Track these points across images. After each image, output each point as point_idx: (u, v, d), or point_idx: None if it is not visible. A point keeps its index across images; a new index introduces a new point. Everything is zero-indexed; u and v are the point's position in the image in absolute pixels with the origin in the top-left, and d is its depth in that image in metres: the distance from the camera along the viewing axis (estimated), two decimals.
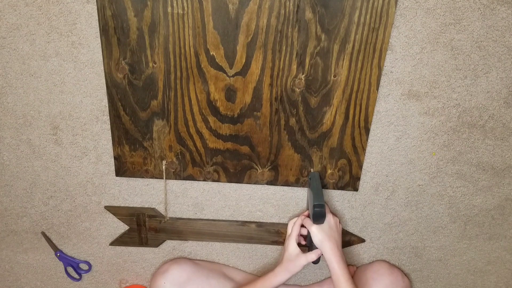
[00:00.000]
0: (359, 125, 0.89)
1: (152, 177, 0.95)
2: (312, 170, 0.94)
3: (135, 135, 0.90)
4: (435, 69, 0.84)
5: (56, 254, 1.06)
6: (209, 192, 0.99)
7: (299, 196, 0.99)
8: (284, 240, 0.99)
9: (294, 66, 0.82)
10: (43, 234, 1.04)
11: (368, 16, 0.78)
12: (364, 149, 0.92)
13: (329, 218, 0.90)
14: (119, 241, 1.04)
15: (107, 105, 0.88)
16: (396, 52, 0.82)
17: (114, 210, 1.00)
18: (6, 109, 0.89)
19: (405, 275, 1.07)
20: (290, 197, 0.99)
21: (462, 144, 0.92)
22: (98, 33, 0.81)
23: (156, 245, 1.05)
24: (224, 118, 0.88)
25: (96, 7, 0.78)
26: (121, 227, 1.03)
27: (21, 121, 0.90)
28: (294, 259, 0.89)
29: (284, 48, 0.81)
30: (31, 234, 1.04)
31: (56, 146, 0.93)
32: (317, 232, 0.88)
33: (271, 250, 1.07)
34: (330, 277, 1.07)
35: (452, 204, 1.00)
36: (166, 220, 1.01)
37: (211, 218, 1.02)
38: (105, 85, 0.85)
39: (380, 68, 0.83)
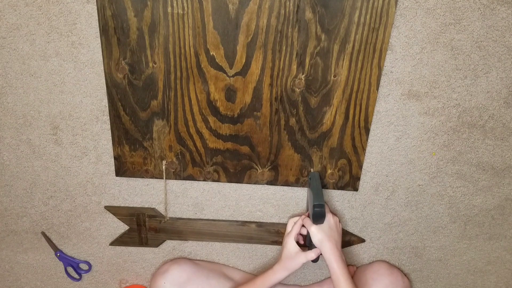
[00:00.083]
0: (359, 125, 0.89)
1: (152, 177, 0.95)
2: (312, 170, 0.94)
3: (135, 135, 0.90)
4: (435, 69, 0.84)
5: (56, 254, 1.06)
6: (209, 192, 0.99)
7: (299, 196, 0.99)
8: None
9: (294, 66, 0.82)
10: (43, 234, 1.04)
11: (368, 16, 0.78)
12: (364, 149, 0.92)
13: (329, 218, 0.90)
14: (119, 241, 1.04)
15: (107, 105, 0.88)
16: (396, 52, 0.82)
17: (114, 210, 1.00)
18: (6, 109, 0.89)
19: (405, 275, 1.07)
20: (290, 197, 0.99)
21: (462, 144, 0.92)
22: (98, 33, 0.81)
23: (156, 245, 1.05)
24: (224, 118, 0.88)
25: (96, 7, 0.78)
26: (121, 227, 1.03)
27: (21, 121, 0.90)
28: (294, 257, 0.89)
29: (284, 48, 0.81)
30: (31, 234, 1.04)
31: (56, 146, 0.93)
32: (316, 232, 0.88)
33: (271, 250, 1.07)
34: (330, 277, 1.07)
35: (452, 204, 1.00)
36: (166, 220, 1.01)
37: (211, 218, 1.02)
38: (105, 85, 0.85)
39: (380, 68, 0.83)
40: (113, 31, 0.79)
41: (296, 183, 0.96)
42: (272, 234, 1.03)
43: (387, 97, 0.87)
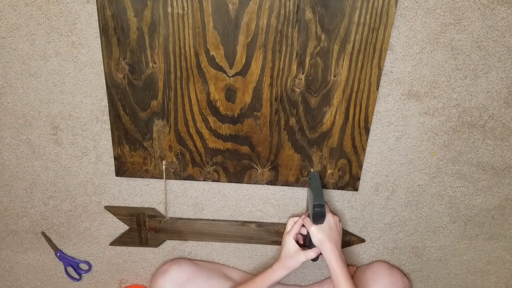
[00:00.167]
0: (359, 125, 0.89)
1: (152, 177, 0.95)
2: (312, 170, 0.94)
3: (135, 135, 0.90)
4: (435, 69, 0.84)
5: (56, 254, 1.06)
6: (209, 192, 0.99)
7: (299, 196, 0.99)
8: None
9: (294, 66, 0.82)
10: (43, 234, 1.04)
11: (368, 16, 0.78)
12: (364, 149, 0.92)
13: (329, 217, 0.90)
14: (119, 241, 1.04)
15: (107, 105, 0.88)
16: (396, 52, 0.82)
17: (114, 210, 1.00)
18: (6, 109, 0.89)
19: (405, 275, 1.07)
20: (290, 197, 0.99)
21: (462, 144, 0.92)
22: (98, 33, 0.81)
23: (156, 245, 1.05)
24: (224, 118, 0.88)
25: (96, 7, 0.78)
26: (121, 227, 1.03)
27: (21, 121, 0.90)
28: (294, 256, 0.89)
29: (284, 48, 0.81)
30: (31, 234, 1.04)
31: (56, 146, 0.93)
32: (316, 233, 0.88)
33: (271, 250, 1.07)
34: (330, 277, 1.07)
35: (452, 204, 1.00)
36: (166, 220, 1.01)
37: (211, 218, 1.02)
38: (105, 85, 0.85)
39: (380, 68, 0.83)
40: (113, 31, 0.79)
41: (296, 183, 0.96)
42: (272, 234, 1.03)
43: (387, 97, 0.87)
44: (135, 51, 0.81)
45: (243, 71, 0.83)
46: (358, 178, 0.95)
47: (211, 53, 0.81)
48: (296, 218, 0.94)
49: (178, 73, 0.83)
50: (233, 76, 0.84)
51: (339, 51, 0.81)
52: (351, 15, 0.78)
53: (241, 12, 0.77)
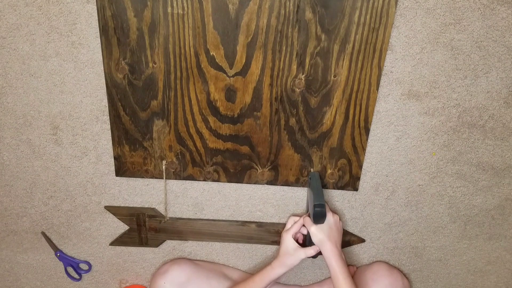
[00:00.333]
0: (359, 125, 0.89)
1: (152, 177, 0.95)
2: (312, 170, 0.94)
3: (135, 135, 0.90)
4: (435, 69, 0.84)
5: (56, 254, 1.06)
6: (209, 192, 0.99)
7: (299, 196, 0.99)
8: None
9: (294, 66, 0.82)
10: (43, 234, 1.04)
11: (368, 16, 0.78)
12: (364, 149, 0.92)
13: (329, 217, 0.90)
14: (119, 241, 1.04)
15: (107, 105, 0.88)
16: (396, 52, 0.82)
17: (114, 210, 1.00)
18: (6, 109, 0.89)
19: (405, 276, 1.07)
20: (290, 197, 0.99)
21: (462, 144, 0.92)
22: (98, 33, 0.81)
23: (156, 245, 1.05)
24: (224, 118, 0.88)
25: (96, 7, 0.78)
26: (121, 227, 1.03)
27: (21, 121, 0.90)
28: (293, 253, 0.89)
29: (284, 48, 0.81)
30: (31, 234, 1.04)
31: (56, 146, 0.93)
32: (316, 232, 0.88)
33: (271, 250, 1.07)
34: (330, 277, 1.07)
35: (452, 204, 1.00)
36: (166, 220, 1.01)
37: (211, 218, 1.02)
38: (105, 85, 0.85)
39: (380, 68, 0.83)
40: (113, 31, 0.79)
41: (296, 183, 0.96)
42: (272, 234, 1.03)
43: (387, 97, 0.87)
44: (135, 51, 0.81)
45: (243, 71, 0.83)
46: (358, 178, 0.95)
47: (211, 53, 0.81)
48: (297, 218, 0.94)
49: (178, 73, 0.83)
50: (233, 76, 0.84)
51: (339, 51, 0.81)
52: (351, 15, 0.78)
53: (241, 12, 0.77)
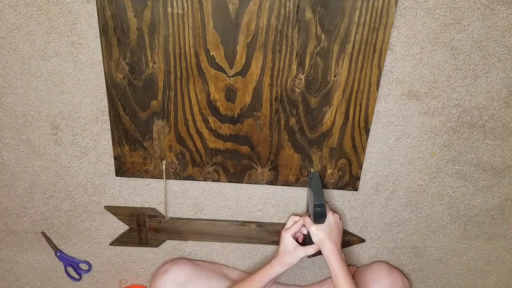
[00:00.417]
0: (359, 125, 0.89)
1: (152, 177, 0.95)
2: (312, 170, 0.94)
3: (135, 135, 0.90)
4: (435, 69, 0.84)
5: (56, 254, 1.06)
6: (209, 192, 0.99)
7: (299, 196, 0.99)
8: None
9: (294, 66, 0.82)
10: (43, 234, 1.04)
11: (368, 16, 0.78)
12: (364, 149, 0.92)
13: (329, 217, 0.90)
14: (119, 241, 1.04)
15: (107, 105, 0.88)
16: (396, 52, 0.82)
17: (114, 210, 1.00)
18: (6, 109, 0.89)
19: (405, 276, 1.07)
20: (290, 197, 0.99)
21: (462, 144, 0.92)
22: (98, 33, 0.81)
23: (156, 245, 1.05)
24: (224, 118, 0.88)
25: (96, 7, 0.78)
26: (121, 227, 1.03)
27: (21, 121, 0.90)
28: (292, 252, 0.89)
29: (284, 48, 0.81)
30: (31, 234, 1.04)
31: (56, 146, 0.93)
32: (317, 232, 0.88)
33: (271, 250, 1.07)
34: (330, 277, 1.07)
35: (452, 204, 1.00)
36: (166, 220, 1.01)
37: (211, 218, 1.02)
38: (105, 85, 0.85)
39: (380, 68, 0.83)
40: (113, 31, 0.79)
41: (296, 183, 0.96)
42: (272, 234, 1.03)
43: (387, 97, 0.87)
44: (135, 51, 0.81)
45: (243, 71, 0.83)
46: (358, 178, 0.95)
47: (211, 53, 0.81)
48: (297, 217, 0.94)
49: (178, 73, 0.83)
50: (233, 76, 0.84)
51: (339, 51, 0.81)
52: (351, 15, 0.78)
53: (241, 12, 0.77)
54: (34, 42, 0.82)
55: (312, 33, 0.79)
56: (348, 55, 0.81)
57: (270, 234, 1.03)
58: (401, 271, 1.07)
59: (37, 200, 0.99)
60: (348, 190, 0.97)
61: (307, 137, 0.90)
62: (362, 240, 1.05)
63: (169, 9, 0.77)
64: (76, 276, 1.10)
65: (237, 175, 0.95)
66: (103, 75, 0.85)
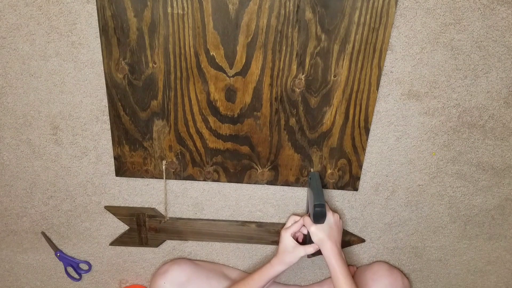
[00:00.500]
0: (359, 125, 0.89)
1: (152, 177, 0.95)
2: (312, 170, 0.94)
3: (135, 135, 0.90)
4: (435, 69, 0.84)
5: (56, 254, 1.06)
6: (209, 192, 0.99)
7: (299, 196, 0.99)
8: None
9: (294, 66, 0.82)
10: (43, 234, 1.04)
11: (368, 16, 0.78)
12: (364, 149, 0.92)
13: (329, 216, 0.90)
14: (119, 241, 1.04)
15: (107, 105, 0.88)
16: (396, 52, 0.82)
17: (114, 210, 1.00)
18: (6, 109, 0.89)
19: (405, 276, 1.07)
20: (290, 197, 0.99)
21: (462, 144, 0.92)
22: (98, 33, 0.81)
23: (156, 245, 1.05)
24: (224, 118, 0.88)
25: (96, 7, 0.78)
26: (121, 227, 1.03)
27: (21, 121, 0.90)
28: (292, 251, 0.89)
29: (284, 48, 0.81)
30: (31, 234, 1.04)
31: (56, 146, 0.93)
32: (316, 232, 0.88)
33: (271, 250, 1.07)
34: (330, 277, 1.07)
35: (452, 204, 1.00)
36: (166, 220, 1.01)
37: (211, 218, 1.02)
38: (105, 85, 0.85)
39: (380, 68, 0.83)
40: (113, 31, 0.79)
41: (296, 183, 0.96)
42: (272, 234, 1.03)
43: (387, 97, 0.87)
44: (135, 51, 0.81)
45: (243, 71, 0.83)
46: (358, 178, 0.95)
47: (211, 53, 0.81)
48: (298, 217, 0.94)
49: (178, 73, 0.83)
50: (233, 76, 0.84)
51: (339, 51, 0.81)
52: (351, 15, 0.78)
53: (241, 12, 0.77)
54: (34, 42, 0.82)
55: (312, 33, 0.79)
56: (348, 55, 0.81)
57: (270, 234, 1.03)
58: (401, 271, 1.07)
59: (37, 200, 1.00)
60: (348, 190, 0.97)
61: (307, 137, 0.90)
62: (362, 240, 1.05)
63: (169, 9, 0.77)
64: (76, 276, 1.10)
65: (237, 175, 0.95)
66: (103, 75, 0.85)
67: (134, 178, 0.96)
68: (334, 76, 0.83)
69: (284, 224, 1.00)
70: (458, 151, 0.93)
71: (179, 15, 0.78)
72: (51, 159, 0.94)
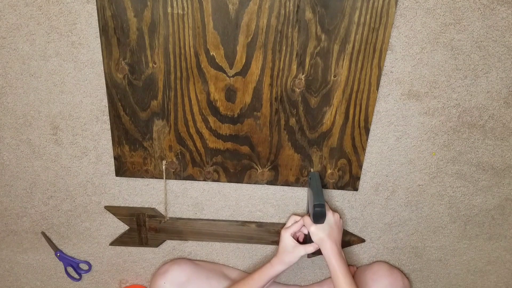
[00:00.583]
0: (359, 125, 0.89)
1: (152, 177, 0.95)
2: (312, 170, 0.94)
3: (135, 135, 0.90)
4: (435, 69, 0.84)
5: (56, 254, 1.06)
6: (209, 192, 0.99)
7: (299, 196, 0.99)
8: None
9: (294, 66, 0.82)
10: (43, 234, 1.04)
11: (368, 16, 0.78)
12: (364, 149, 0.92)
13: (329, 216, 0.90)
14: (119, 241, 1.04)
15: (107, 105, 0.88)
16: (396, 52, 0.82)
17: (114, 210, 1.00)
18: (6, 109, 0.89)
19: (405, 276, 1.07)
20: (290, 197, 0.99)
21: (462, 144, 0.92)
22: (98, 33, 0.81)
23: (156, 245, 1.05)
24: (224, 118, 0.88)
25: (96, 7, 0.78)
26: (121, 227, 1.03)
27: (21, 121, 0.90)
28: (292, 251, 0.90)
29: (284, 48, 0.81)
30: (31, 234, 1.04)
31: (56, 146, 0.93)
32: (316, 231, 0.88)
33: (271, 250, 1.07)
34: (330, 277, 1.07)
35: (452, 204, 1.00)
36: (166, 220, 1.01)
37: (211, 218, 1.02)
38: (105, 85, 0.85)
39: (380, 68, 0.83)
40: (113, 31, 0.79)
41: (296, 183, 0.96)
42: (272, 234, 1.03)
43: (387, 97, 0.87)
44: (135, 51, 0.81)
45: (243, 71, 0.83)
46: (358, 178, 0.95)
47: (211, 53, 0.81)
48: (298, 217, 0.94)
49: (178, 73, 0.83)
50: (233, 76, 0.84)
51: (339, 51, 0.81)
52: (351, 15, 0.78)
53: (241, 12, 0.77)
54: (34, 42, 0.82)
55: (312, 33, 0.79)
56: (348, 55, 0.81)
57: (270, 234, 1.03)
58: (401, 271, 1.07)
59: (37, 200, 1.00)
60: (348, 190, 0.97)
61: (307, 137, 0.90)
62: (362, 240, 1.05)
63: (169, 9, 0.77)
64: (76, 276, 1.10)
65: (237, 175, 0.95)
66: (103, 75, 0.85)
67: (134, 178, 0.96)
68: (334, 76, 0.83)
69: (284, 224, 1.00)
70: (458, 151, 0.93)
71: (179, 15, 0.78)
72: (51, 159, 0.94)
